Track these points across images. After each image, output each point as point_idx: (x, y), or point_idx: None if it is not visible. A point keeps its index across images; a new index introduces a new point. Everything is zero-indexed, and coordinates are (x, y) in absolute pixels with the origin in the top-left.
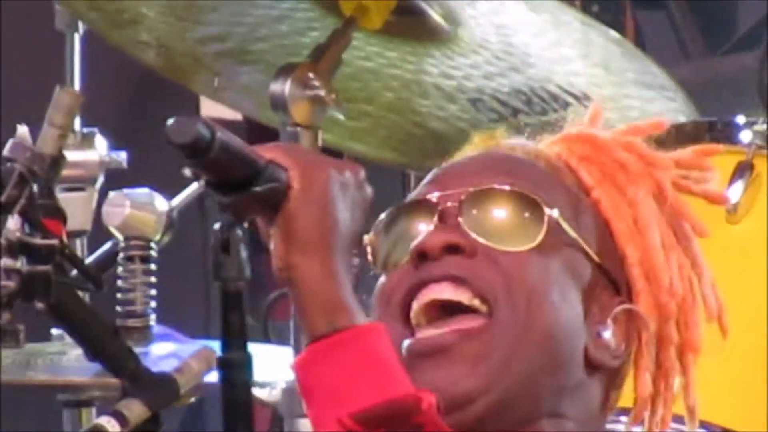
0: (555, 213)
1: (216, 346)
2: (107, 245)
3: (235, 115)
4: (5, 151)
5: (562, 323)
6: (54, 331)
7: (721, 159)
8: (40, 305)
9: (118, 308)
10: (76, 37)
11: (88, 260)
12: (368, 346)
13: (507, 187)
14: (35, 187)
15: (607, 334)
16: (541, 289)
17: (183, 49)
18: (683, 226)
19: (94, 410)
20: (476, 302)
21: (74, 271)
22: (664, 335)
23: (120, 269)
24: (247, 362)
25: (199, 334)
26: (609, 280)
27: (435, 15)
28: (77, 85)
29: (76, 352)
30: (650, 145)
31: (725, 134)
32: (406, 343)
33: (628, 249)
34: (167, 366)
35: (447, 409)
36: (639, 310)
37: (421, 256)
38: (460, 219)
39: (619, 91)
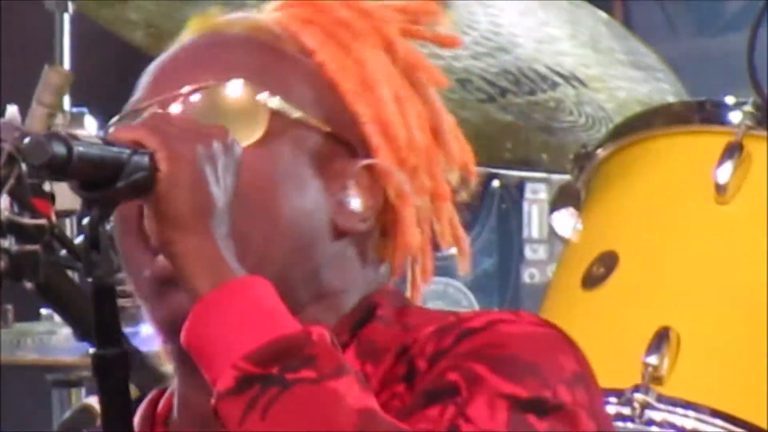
0: (274, 101)
1: None
2: None
3: None
4: None
5: (293, 210)
6: (43, 311)
7: (710, 139)
8: (29, 285)
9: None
10: (66, 17)
11: (78, 240)
12: (253, 294)
13: (221, 83)
14: (24, 167)
15: (351, 200)
16: (265, 183)
17: (171, 29)
18: (420, 76)
19: (83, 390)
20: None
21: (63, 251)
22: (417, 185)
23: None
24: (124, 357)
25: None
26: (344, 145)
27: None
28: (67, 65)
29: (65, 332)
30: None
31: (714, 115)
32: (147, 272)
33: (358, 108)
34: (156, 346)
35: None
36: (375, 162)
37: None
38: None
39: (607, 71)
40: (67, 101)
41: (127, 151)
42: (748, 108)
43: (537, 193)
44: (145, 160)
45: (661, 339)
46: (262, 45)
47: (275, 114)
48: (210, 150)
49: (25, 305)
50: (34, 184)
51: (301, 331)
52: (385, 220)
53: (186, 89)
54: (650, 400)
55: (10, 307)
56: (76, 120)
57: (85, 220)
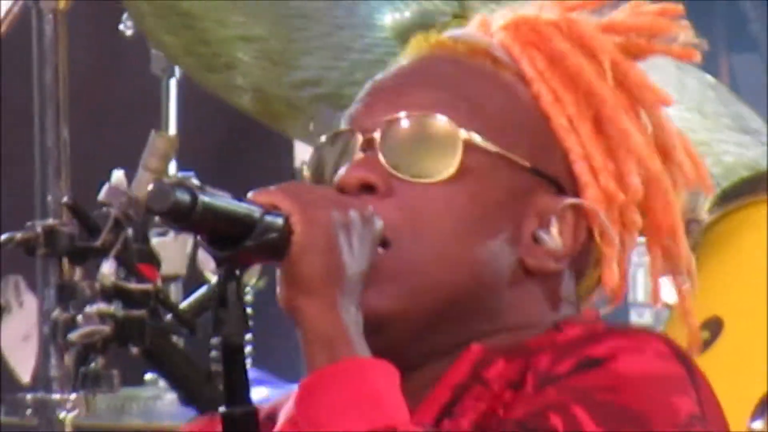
0: (472, 135)
1: None
2: (202, 289)
3: None
4: (101, 196)
5: (480, 250)
6: (148, 376)
7: None
8: (134, 350)
9: (213, 353)
10: (172, 82)
11: (183, 305)
12: (365, 376)
13: (420, 114)
14: (130, 232)
15: (548, 237)
16: (456, 222)
17: (278, 94)
18: (645, 96)
19: None
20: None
21: (169, 316)
22: (626, 221)
23: None
24: (252, 416)
25: (294, 379)
26: (548, 181)
27: None
28: (173, 130)
29: (170, 397)
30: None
31: None
32: None
33: (569, 143)
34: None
35: (366, 335)
36: (585, 203)
37: (341, 191)
38: (379, 152)
39: (713, 136)
40: (173, 166)
41: (259, 210)
42: None
43: (642, 257)
44: (278, 221)
45: (766, 405)
46: (478, 71)
47: (473, 149)
48: (346, 218)
49: (130, 370)
50: (141, 249)
51: (386, 427)
52: (592, 254)
53: (386, 118)
54: None
55: (115, 372)
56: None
57: (214, 279)
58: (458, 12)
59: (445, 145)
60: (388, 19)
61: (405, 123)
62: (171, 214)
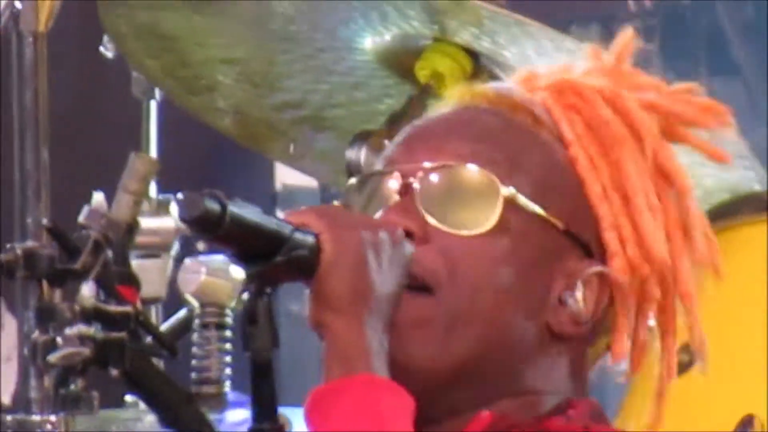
0: (511, 190)
1: (290, 413)
2: (182, 312)
3: (311, 182)
4: (81, 218)
5: (511, 308)
6: (128, 398)
7: None
8: (114, 372)
9: (194, 375)
10: (153, 104)
11: (163, 327)
12: (372, 394)
13: (462, 164)
14: (110, 254)
15: (573, 301)
16: (490, 276)
17: (259, 116)
18: (673, 180)
19: None
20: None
21: (149, 338)
22: (645, 292)
23: (195, 336)
24: None
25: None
26: (578, 244)
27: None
28: (153, 152)
29: (150, 419)
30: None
31: None
32: None
33: (601, 211)
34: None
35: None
36: (611, 272)
37: None
38: (416, 198)
39: (694, 159)
40: (153, 188)
41: (289, 227)
42: None
43: None
44: (308, 239)
45: (745, 426)
46: (519, 128)
47: (511, 205)
48: (376, 238)
49: (110, 392)
50: (121, 272)
51: None
52: (608, 319)
53: (427, 165)
54: None
55: (95, 393)
56: (162, 207)
57: (245, 294)
58: (438, 35)
59: (485, 198)
60: (369, 42)
61: (444, 172)
62: (200, 223)
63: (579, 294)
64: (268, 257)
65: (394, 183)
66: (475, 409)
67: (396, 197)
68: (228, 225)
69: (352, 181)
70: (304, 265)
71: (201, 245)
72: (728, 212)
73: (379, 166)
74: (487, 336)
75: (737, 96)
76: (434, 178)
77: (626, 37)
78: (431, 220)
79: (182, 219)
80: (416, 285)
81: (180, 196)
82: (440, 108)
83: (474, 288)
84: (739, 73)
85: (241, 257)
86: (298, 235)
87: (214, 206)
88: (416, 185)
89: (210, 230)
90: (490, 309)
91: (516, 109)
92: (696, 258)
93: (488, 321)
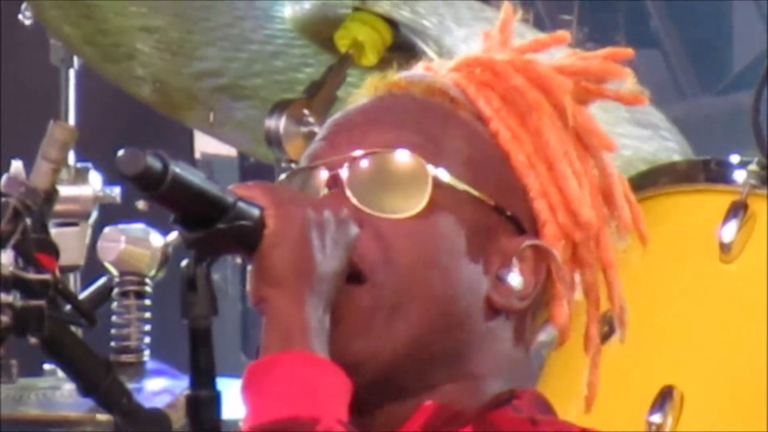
0: (439, 171)
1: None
2: (101, 280)
3: (231, 151)
4: None
5: (450, 286)
6: (47, 366)
7: (715, 198)
8: (33, 340)
9: (113, 343)
10: (71, 72)
11: (82, 295)
12: (306, 369)
13: (388, 150)
14: (29, 222)
15: (512, 277)
16: (425, 255)
17: (178, 84)
18: (592, 141)
19: None
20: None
21: (68, 306)
22: (578, 258)
23: (115, 304)
24: (215, 400)
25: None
26: (510, 220)
27: (430, 52)
28: (72, 120)
29: (69, 387)
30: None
31: (719, 174)
32: None
33: (528, 181)
34: (160, 402)
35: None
36: (543, 244)
37: None
38: (345, 188)
39: (613, 129)
40: (72, 156)
41: (233, 197)
42: (752, 167)
43: None
44: (252, 210)
45: (664, 398)
46: (437, 110)
47: (440, 186)
48: (321, 218)
49: (28, 360)
50: (40, 239)
51: (311, 419)
52: (546, 291)
53: (354, 153)
54: None
55: (14, 362)
56: (81, 175)
57: (184, 261)
58: (358, 4)
59: (413, 181)
60: (288, 10)
61: (371, 160)
62: (141, 179)
63: (516, 270)
64: (209, 225)
65: (322, 176)
66: (419, 394)
67: (325, 190)
68: (169, 184)
69: (280, 178)
70: (246, 237)
71: (141, 204)
72: (646, 183)
73: (304, 162)
74: (428, 317)
75: (657, 68)
76: (361, 165)
77: (508, 12)
78: (362, 207)
79: (123, 175)
80: (352, 273)
81: (122, 151)
82: (357, 100)
83: (410, 269)
84: (658, 45)
85: (182, 222)
86: (243, 206)
87: (156, 163)
88: (344, 175)
89: (150, 188)
90: (427, 289)
91: (432, 92)
92: (619, 223)
93: (427, 302)
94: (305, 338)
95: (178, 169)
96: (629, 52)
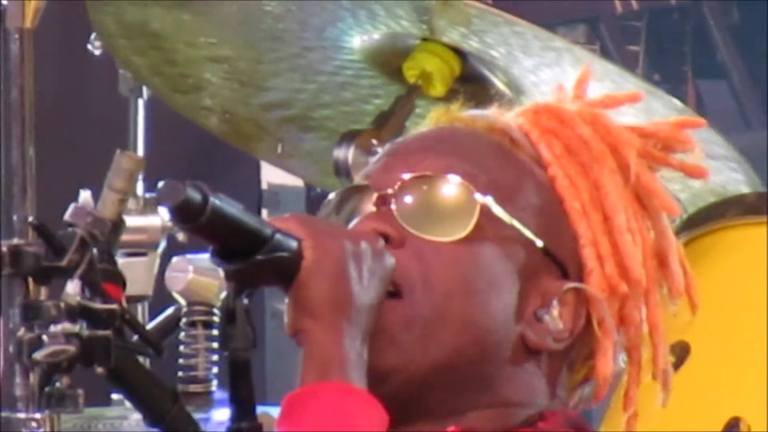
0: (488, 200)
1: (275, 412)
2: (169, 310)
3: (297, 182)
4: (67, 216)
5: (485, 315)
6: (114, 396)
7: None
8: (99, 370)
9: (180, 373)
10: (140, 102)
11: (150, 325)
12: (342, 401)
13: (439, 174)
14: (95, 252)
15: (549, 318)
16: (464, 282)
17: (246, 115)
18: (653, 202)
19: None
20: (390, 289)
21: (135, 336)
22: (624, 315)
23: (182, 334)
24: (257, 431)
25: (259, 400)
26: (555, 262)
27: (498, 83)
28: (141, 150)
29: (136, 417)
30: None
31: None
32: None
33: (580, 228)
34: None
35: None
36: (587, 288)
37: None
38: (393, 207)
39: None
40: (141, 187)
41: (271, 228)
42: None
43: None
44: (290, 242)
45: (731, 429)
46: (495, 146)
47: (488, 216)
48: (357, 249)
49: (95, 390)
50: (106, 269)
51: None
52: (586, 344)
53: (406, 176)
54: None
55: (81, 392)
56: (150, 205)
57: (222, 294)
58: (427, 35)
59: (460, 207)
60: (357, 41)
61: (421, 182)
62: (181, 211)
63: (555, 311)
64: (248, 256)
65: (371, 195)
66: (445, 418)
67: (373, 208)
68: (208, 216)
69: (331, 196)
70: (284, 269)
71: (181, 236)
72: (714, 215)
73: (358, 182)
74: (459, 343)
75: (723, 98)
76: (411, 187)
77: (585, 72)
78: (407, 227)
79: (162, 206)
80: (391, 289)
81: (162, 183)
82: (418, 129)
83: (447, 293)
84: (724, 75)
85: (221, 254)
86: (280, 238)
87: (195, 195)
88: (393, 195)
89: (189, 220)
90: (462, 316)
91: (493, 129)
92: (671, 287)
93: (460, 328)
94: (343, 369)
95: (217, 201)
96: (702, 122)
